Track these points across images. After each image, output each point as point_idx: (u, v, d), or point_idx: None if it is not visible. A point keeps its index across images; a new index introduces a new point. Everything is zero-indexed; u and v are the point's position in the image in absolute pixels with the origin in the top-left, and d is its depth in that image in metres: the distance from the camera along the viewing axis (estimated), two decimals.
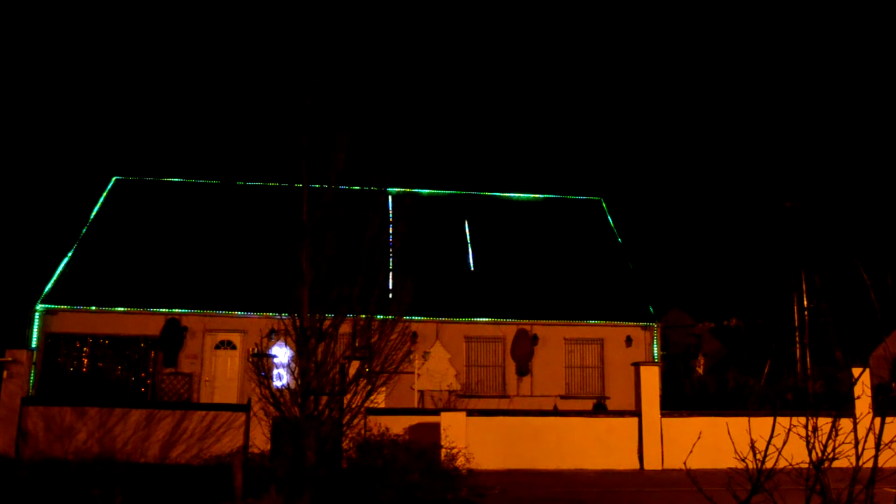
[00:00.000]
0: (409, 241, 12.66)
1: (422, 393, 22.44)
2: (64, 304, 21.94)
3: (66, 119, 62.59)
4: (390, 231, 12.11)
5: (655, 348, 24.00)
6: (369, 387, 11.74)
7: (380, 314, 11.80)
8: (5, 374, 16.13)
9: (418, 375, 22.41)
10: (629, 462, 16.61)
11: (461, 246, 26.00)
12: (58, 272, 22.81)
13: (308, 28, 12.86)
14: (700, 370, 30.05)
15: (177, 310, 22.38)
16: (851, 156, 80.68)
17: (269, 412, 11.92)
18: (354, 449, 12.70)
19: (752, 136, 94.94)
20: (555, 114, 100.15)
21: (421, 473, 11.22)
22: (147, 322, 22.17)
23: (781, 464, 5.63)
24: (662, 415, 16.91)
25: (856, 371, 15.93)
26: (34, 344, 21.08)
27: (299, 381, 11.37)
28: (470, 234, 26.57)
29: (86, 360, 21.70)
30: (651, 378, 17.05)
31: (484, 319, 23.65)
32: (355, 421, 12.26)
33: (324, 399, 11.46)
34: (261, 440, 14.69)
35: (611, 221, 28.31)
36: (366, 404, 12.02)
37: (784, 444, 5.54)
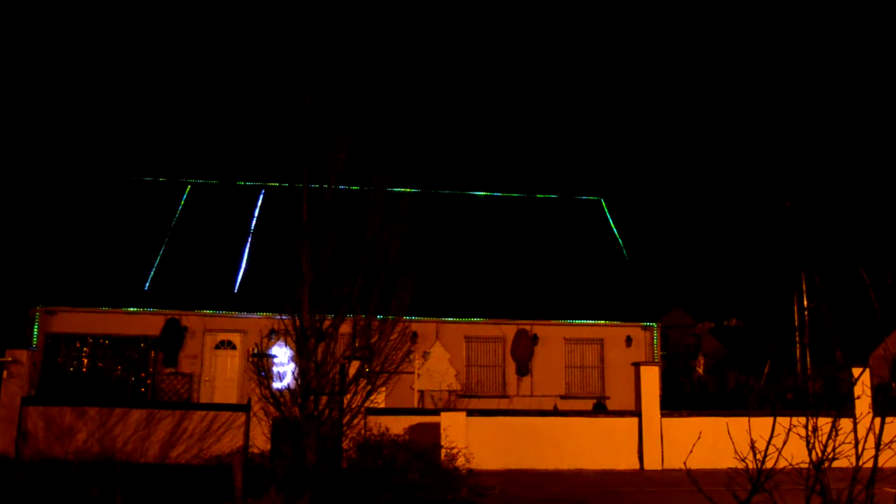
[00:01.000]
0: (409, 241, 12.65)
1: (422, 393, 22.43)
2: (64, 304, 21.95)
3: (65, 117, 62.61)
4: (390, 231, 12.08)
5: (655, 348, 24.00)
6: (369, 387, 11.74)
7: (380, 314, 11.80)
8: (5, 374, 16.13)
9: (418, 375, 22.41)
10: (629, 462, 16.61)
11: (461, 246, 25.99)
12: (58, 272, 22.81)
13: (308, 29, 12.87)
14: (700, 370, 30.04)
15: (177, 310, 22.39)
16: (851, 156, 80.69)
17: (269, 412, 11.91)
18: (354, 449, 12.70)
19: (752, 136, 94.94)
20: (555, 114, 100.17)
21: (421, 473, 11.21)
22: (147, 322, 22.18)
23: (781, 464, 5.63)
24: (662, 415, 16.91)
25: (856, 371, 15.92)
26: (34, 344, 21.08)
27: (299, 381, 11.38)
28: (470, 234, 26.57)
29: (86, 360, 21.70)
30: (651, 378, 17.05)
31: (484, 319, 23.65)
32: (355, 421, 12.25)
33: (324, 399, 11.46)
34: (261, 440, 14.69)
35: (611, 221, 28.31)
36: (366, 404, 12.01)
37: (784, 444, 5.54)
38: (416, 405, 21.62)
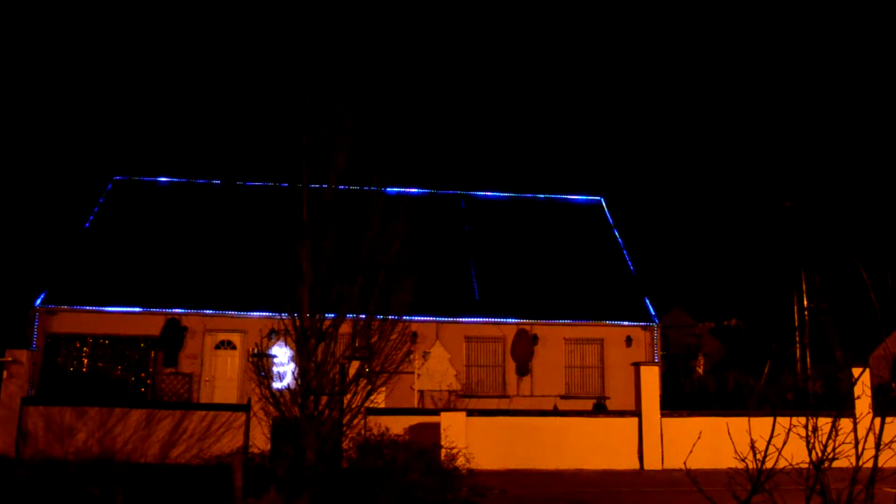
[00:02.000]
0: (409, 241, 12.65)
1: (422, 393, 22.44)
2: (64, 304, 21.94)
3: (67, 119, 62.61)
4: (390, 231, 12.09)
5: (655, 348, 24.00)
6: (369, 387, 11.75)
7: (380, 314, 11.81)
8: (5, 374, 16.13)
9: (418, 375, 22.41)
10: (629, 462, 16.61)
11: (461, 246, 26.00)
12: (58, 272, 22.81)
13: (308, 28, 12.87)
14: (700, 370, 30.04)
15: (177, 310, 22.38)
16: (851, 156, 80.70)
17: (269, 412, 11.92)
18: (354, 449, 12.69)
19: (752, 136, 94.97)
20: (555, 113, 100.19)
21: (421, 473, 11.21)
22: (147, 322, 22.17)
23: (781, 464, 5.63)
24: (662, 415, 16.90)
25: (856, 371, 15.92)
26: (34, 344, 21.08)
27: (299, 381, 11.38)
28: (470, 234, 26.57)
29: (86, 360, 21.70)
30: (651, 378, 17.05)
31: (484, 319, 23.65)
32: (355, 421, 12.25)
33: (324, 399, 11.46)
34: (261, 440, 14.69)
35: (611, 221, 28.32)
36: (366, 404, 12.01)
37: (784, 444, 5.54)
38: (416, 405, 21.62)
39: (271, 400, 11.49)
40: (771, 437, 5.71)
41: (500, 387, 23.47)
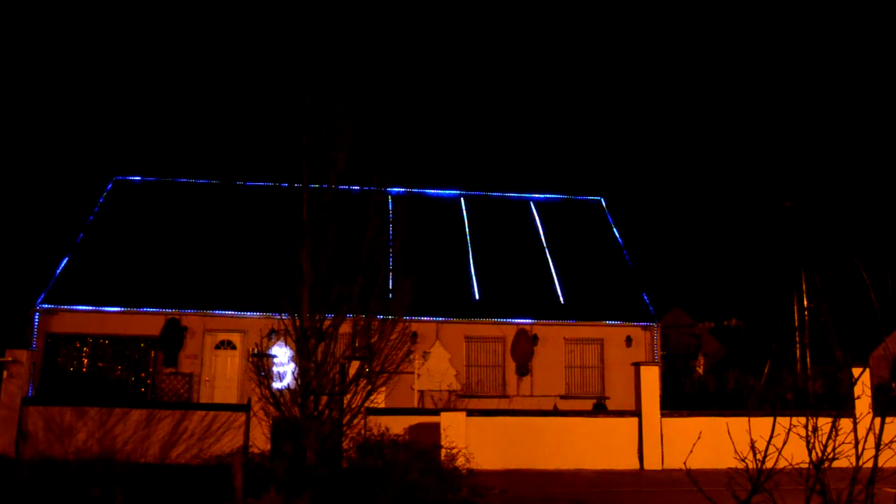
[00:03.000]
0: (409, 241, 12.67)
1: (422, 393, 22.44)
2: (64, 304, 21.94)
3: (67, 119, 62.61)
4: (390, 231, 12.11)
5: (655, 348, 24.00)
6: (369, 387, 11.76)
7: (380, 314, 11.81)
8: (5, 374, 16.13)
9: (418, 375, 22.40)
10: (629, 462, 16.61)
11: (461, 246, 26.00)
12: (58, 272, 22.82)
13: (308, 28, 12.87)
14: (700, 370, 30.05)
15: (177, 310, 22.38)
16: (851, 156, 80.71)
17: (269, 412, 11.93)
18: (354, 449, 12.69)
19: (752, 136, 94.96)
20: (555, 113, 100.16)
21: (421, 473, 11.21)
22: (147, 322, 22.17)
23: (781, 464, 5.63)
24: (662, 415, 16.90)
25: (856, 371, 15.92)
26: (34, 344, 21.08)
27: (299, 381, 11.38)
28: (470, 234, 26.57)
29: (86, 360, 21.70)
30: (651, 378, 17.05)
31: (484, 319, 23.66)
32: (355, 421, 12.26)
33: (324, 399, 11.47)
34: (261, 440, 14.69)
35: (611, 221, 28.32)
36: (366, 404, 12.02)
37: (784, 444, 5.53)
38: (416, 405, 21.62)
39: (271, 400, 11.50)
40: (771, 437, 5.71)
41: (500, 387, 23.47)
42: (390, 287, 12.49)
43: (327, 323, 11.56)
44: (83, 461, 14.22)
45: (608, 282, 25.53)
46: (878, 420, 5.80)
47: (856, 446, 5.54)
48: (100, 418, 16.01)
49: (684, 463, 6.32)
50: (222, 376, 22.46)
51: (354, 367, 12.14)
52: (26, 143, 51.55)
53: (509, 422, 16.78)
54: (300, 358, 11.44)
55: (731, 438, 5.90)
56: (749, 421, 6.14)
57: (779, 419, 5.79)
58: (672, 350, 36.65)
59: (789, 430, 5.64)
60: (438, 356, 22.99)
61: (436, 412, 16.43)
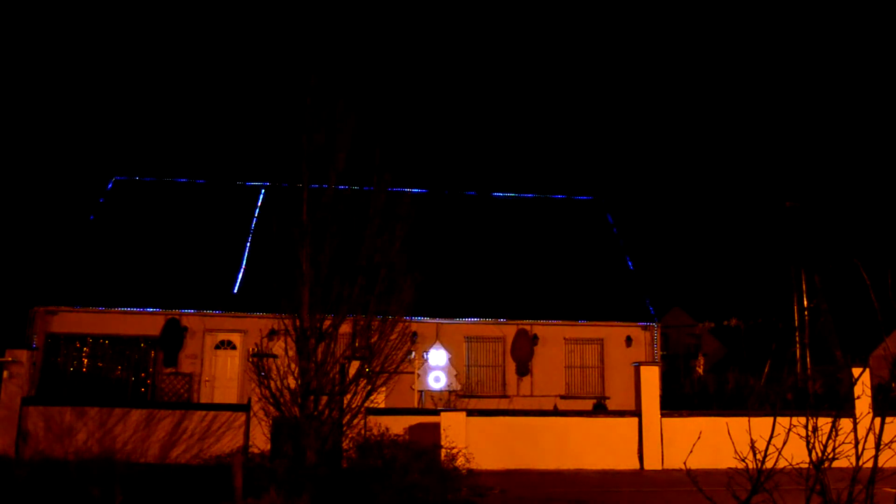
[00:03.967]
0: (409, 241, 12.66)
1: (422, 393, 22.43)
2: (64, 304, 21.95)
3: (67, 119, 62.60)
4: (390, 231, 12.10)
5: (655, 348, 24.00)
6: (369, 387, 11.75)
7: (380, 314, 11.81)
8: (5, 374, 16.12)
9: (418, 375, 22.39)
10: (629, 462, 16.60)
11: (461, 246, 25.99)
12: (58, 272, 22.82)
13: (307, 28, 12.88)
14: (700, 370, 30.07)
15: (177, 310, 22.39)
16: (851, 156, 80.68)
17: (269, 412, 11.92)
18: (354, 449, 12.69)
19: (752, 136, 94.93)
20: (555, 113, 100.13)
21: (421, 473, 11.21)
22: (147, 322, 22.18)
23: (781, 464, 5.63)
24: (662, 415, 16.90)
25: (856, 371, 15.91)
26: (34, 344, 21.08)
27: (299, 381, 11.38)
28: (470, 234, 26.56)
29: (86, 360, 21.70)
30: (651, 378, 17.05)
31: (484, 319, 23.66)
32: (355, 421, 12.26)
33: (324, 399, 11.47)
34: (261, 440, 14.68)
35: (611, 221, 28.31)
36: (366, 404, 12.01)
37: (784, 444, 5.54)
38: (416, 405, 21.62)
39: (271, 400, 11.49)
40: (771, 437, 5.71)
41: (500, 387, 23.47)
42: (390, 287, 12.48)
43: (327, 323, 11.55)
44: (83, 461, 14.20)
45: (608, 282, 25.52)
46: (878, 420, 5.80)
47: (856, 446, 5.54)
48: (100, 418, 16.00)
49: (684, 463, 6.33)
50: (222, 376, 22.46)
51: (354, 367, 12.14)
52: (27, 143, 51.54)
53: (509, 422, 16.77)
54: (300, 358, 11.43)
55: (731, 438, 5.91)
56: (749, 421, 6.14)
57: (779, 419, 5.79)
58: (672, 350, 36.69)
59: (789, 430, 5.64)
60: (438, 356, 22.98)
61: (436, 412, 16.43)
